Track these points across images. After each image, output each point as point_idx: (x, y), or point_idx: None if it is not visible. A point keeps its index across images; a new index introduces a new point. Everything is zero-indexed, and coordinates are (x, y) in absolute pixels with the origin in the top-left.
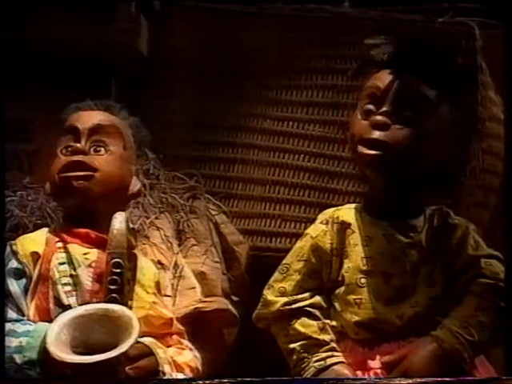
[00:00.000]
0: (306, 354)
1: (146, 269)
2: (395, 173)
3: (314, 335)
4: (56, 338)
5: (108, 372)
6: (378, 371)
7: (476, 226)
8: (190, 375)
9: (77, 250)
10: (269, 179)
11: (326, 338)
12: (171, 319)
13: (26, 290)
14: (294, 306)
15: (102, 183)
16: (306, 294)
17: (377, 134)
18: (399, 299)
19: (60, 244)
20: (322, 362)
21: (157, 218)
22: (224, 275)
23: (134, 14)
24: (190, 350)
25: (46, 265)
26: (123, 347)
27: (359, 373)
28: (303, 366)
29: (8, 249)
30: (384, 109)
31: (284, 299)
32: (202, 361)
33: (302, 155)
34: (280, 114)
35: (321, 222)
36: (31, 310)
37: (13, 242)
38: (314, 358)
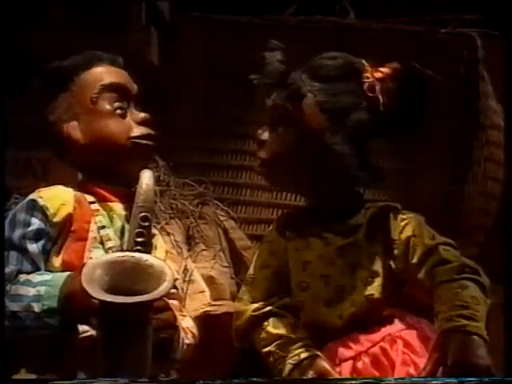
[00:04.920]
0: (281, 353)
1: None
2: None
3: (286, 334)
4: (90, 278)
5: (141, 317)
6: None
7: (478, 231)
8: (193, 341)
9: (120, 209)
10: None
11: (298, 334)
12: (175, 280)
13: (44, 250)
14: (264, 310)
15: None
16: (275, 298)
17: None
18: (338, 300)
19: (97, 205)
20: (296, 357)
21: (167, 224)
22: (232, 279)
23: (144, 25)
24: (189, 317)
25: (83, 224)
26: (161, 291)
27: None
28: (280, 365)
29: (30, 204)
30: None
31: (254, 305)
32: (212, 363)
33: None
34: None
35: (273, 228)
36: (57, 263)
37: (36, 196)
38: (289, 355)
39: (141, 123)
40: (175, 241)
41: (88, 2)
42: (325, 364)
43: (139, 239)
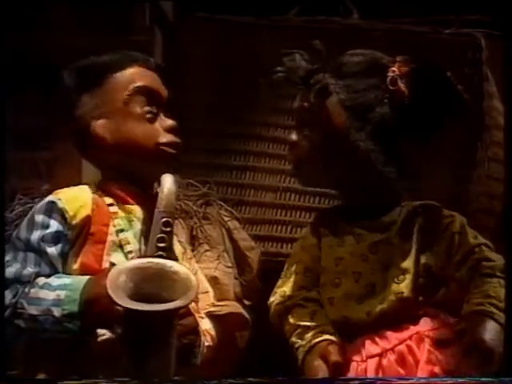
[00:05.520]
0: (300, 342)
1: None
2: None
3: (304, 323)
4: (116, 284)
5: (166, 324)
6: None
7: (482, 231)
8: (211, 343)
9: (139, 212)
10: (280, 186)
11: (316, 322)
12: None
13: (62, 253)
14: (287, 302)
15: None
16: (302, 291)
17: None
18: (369, 296)
19: (115, 208)
20: (308, 344)
21: None
22: (236, 280)
23: (148, 26)
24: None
25: (102, 227)
26: (187, 299)
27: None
28: (297, 353)
29: (49, 205)
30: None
31: (279, 298)
32: (215, 363)
33: None
34: (291, 122)
35: (309, 225)
36: (75, 266)
37: (54, 198)
38: (303, 342)
39: (169, 131)
40: (179, 241)
41: (92, 3)
42: (330, 348)
43: (161, 244)
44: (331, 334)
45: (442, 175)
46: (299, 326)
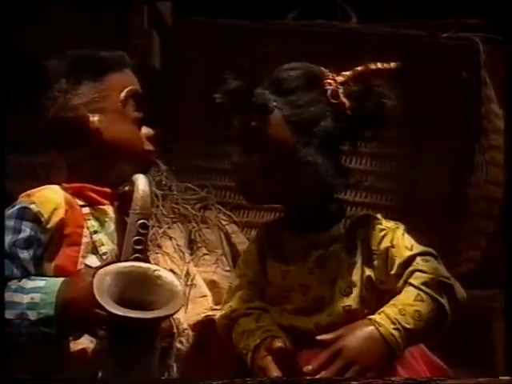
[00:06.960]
0: (246, 347)
1: None
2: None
3: (249, 327)
4: (102, 290)
5: (154, 330)
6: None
7: (480, 235)
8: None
9: (111, 211)
10: None
11: (261, 323)
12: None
13: (35, 257)
14: (232, 314)
15: None
16: (246, 304)
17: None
18: (317, 309)
19: (88, 209)
20: (253, 343)
21: (169, 228)
22: None
23: (146, 30)
24: None
25: (76, 229)
26: (177, 305)
27: None
28: (246, 358)
29: (20, 211)
30: None
31: (225, 312)
32: (214, 367)
33: None
34: None
35: (254, 238)
36: (49, 268)
37: (27, 201)
38: (250, 343)
39: (149, 139)
40: (177, 245)
41: (91, 6)
42: (275, 340)
43: (138, 247)
44: (276, 332)
45: (440, 179)
46: (245, 331)
